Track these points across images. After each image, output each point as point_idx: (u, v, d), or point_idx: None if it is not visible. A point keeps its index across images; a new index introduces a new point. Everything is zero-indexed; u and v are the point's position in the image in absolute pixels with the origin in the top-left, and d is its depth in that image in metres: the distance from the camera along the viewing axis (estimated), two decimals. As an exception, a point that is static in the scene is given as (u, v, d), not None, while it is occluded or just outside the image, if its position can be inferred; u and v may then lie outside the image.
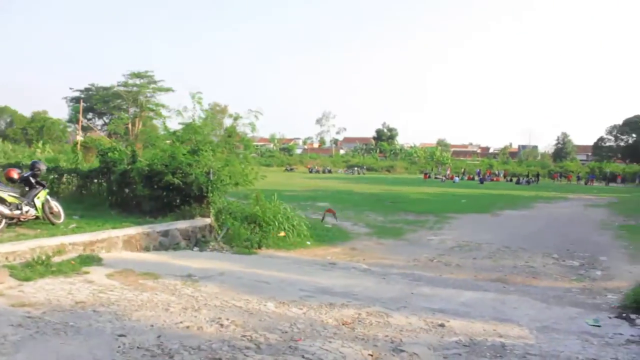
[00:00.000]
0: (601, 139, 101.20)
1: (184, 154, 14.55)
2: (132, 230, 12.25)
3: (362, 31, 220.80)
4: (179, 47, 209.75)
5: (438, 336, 6.77)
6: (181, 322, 6.63)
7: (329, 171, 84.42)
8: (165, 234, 12.89)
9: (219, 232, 14.21)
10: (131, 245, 11.96)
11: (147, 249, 12.22)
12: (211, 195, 14.51)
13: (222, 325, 6.61)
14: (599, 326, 7.99)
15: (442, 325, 7.25)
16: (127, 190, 15.68)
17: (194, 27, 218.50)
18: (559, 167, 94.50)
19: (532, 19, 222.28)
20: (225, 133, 16.85)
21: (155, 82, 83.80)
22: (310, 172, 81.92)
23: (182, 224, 13.58)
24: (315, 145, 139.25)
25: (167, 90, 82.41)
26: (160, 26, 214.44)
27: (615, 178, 77.91)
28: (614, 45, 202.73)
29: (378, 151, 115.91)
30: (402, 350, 6.08)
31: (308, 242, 15.51)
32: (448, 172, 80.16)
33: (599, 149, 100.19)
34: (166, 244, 12.79)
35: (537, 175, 77.93)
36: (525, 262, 13.92)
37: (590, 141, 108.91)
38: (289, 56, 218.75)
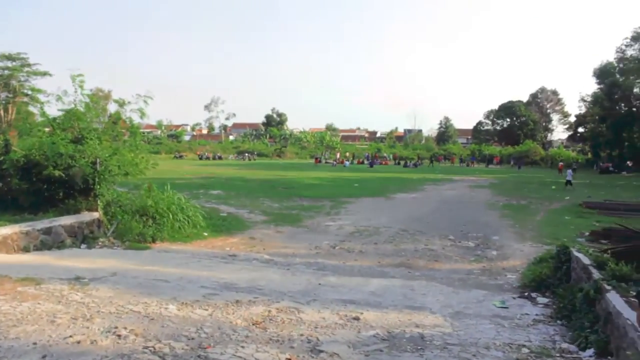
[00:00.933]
0: (480, 123, 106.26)
1: (65, 143, 13.50)
2: (8, 230, 11.01)
3: (250, 17, 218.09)
4: (56, 28, 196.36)
5: (355, 331, 6.46)
6: (71, 336, 5.77)
7: (220, 157, 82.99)
8: (47, 231, 11.74)
9: (109, 226, 13.28)
10: (7, 247, 10.74)
11: (26, 250, 11.05)
12: (98, 187, 13.62)
13: (119, 336, 5.86)
14: (506, 307, 8.09)
15: (356, 319, 6.96)
16: (0, 184, 14.19)
17: (73, 6, 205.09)
18: (442, 150, 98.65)
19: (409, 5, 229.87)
20: (110, 119, 15.90)
21: (29, 65, 77.39)
22: (201, 158, 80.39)
23: (67, 220, 12.47)
24: (204, 131, 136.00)
25: (44, 74, 75.34)
26: (33, 3, 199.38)
27: (493, 160, 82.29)
28: (492, 35, 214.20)
29: (268, 137, 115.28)
30: (320, 351, 5.70)
31: (205, 233, 14.87)
32: (338, 156, 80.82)
33: (478, 133, 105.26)
34: (49, 242, 11.65)
35: (431, 160, 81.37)
36: (425, 245, 14.09)
37: (470, 125, 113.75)
38: (176, 40, 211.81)
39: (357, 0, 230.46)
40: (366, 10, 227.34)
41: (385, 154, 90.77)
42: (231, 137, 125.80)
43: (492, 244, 14.51)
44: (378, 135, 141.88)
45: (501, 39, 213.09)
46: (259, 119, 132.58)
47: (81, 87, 14.34)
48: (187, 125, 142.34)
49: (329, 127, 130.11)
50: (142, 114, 14.96)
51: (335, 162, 68.79)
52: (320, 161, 73.82)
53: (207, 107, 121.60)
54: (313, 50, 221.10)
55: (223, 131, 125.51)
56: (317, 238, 14.87)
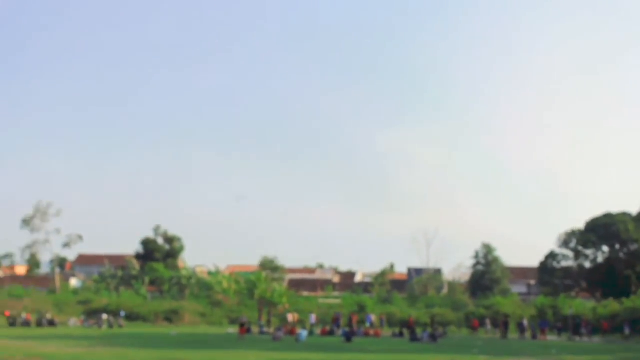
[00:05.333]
0: (552, 256, 67.77)
1: None
2: None
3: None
4: None
5: None
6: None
7: (52, 323, 51.90)
8: None
9: None
10: None
11: None
12: None
13: None
14: None
15: None
16: None
17: None
18: (482, 306, 58.77)
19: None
20: None
21: None
22: (12, 325, 51.09)
23: None
24: (20, 269, 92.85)
25: None
26: None
27: (581, 325, 47.77)
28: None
29: (146, 281, 73.47)
30: None
31: None
32: (290, 319, 52.05)
33: (548, 274, 64.97)
34: None
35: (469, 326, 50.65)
36: None
37: (532, 260, 78.28)
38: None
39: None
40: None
41: (372, 316, 54.96)
42: (74, 282, 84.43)
43: None
44: (358, 279, 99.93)
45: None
46: (130, 246, 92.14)
47: None
48: None
49: (267, 264, 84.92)
50: None
51: (280, 333, 43.26)
52: (248, 330, 46.18)
53: (26, 223, 75.54)
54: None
55: (59, 270, 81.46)
56: None
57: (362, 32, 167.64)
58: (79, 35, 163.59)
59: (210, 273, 69.56)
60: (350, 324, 49.01)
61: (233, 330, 48.37)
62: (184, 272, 74.35)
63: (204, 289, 66.58)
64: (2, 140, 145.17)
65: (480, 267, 78.08)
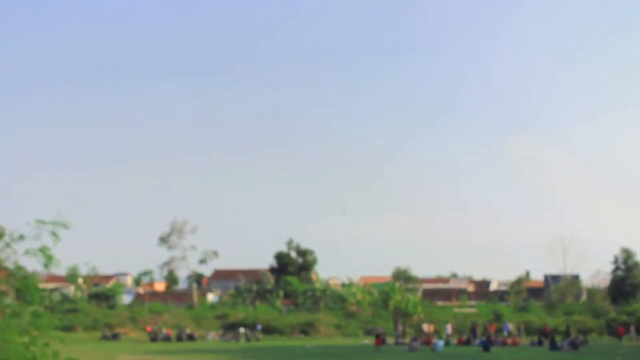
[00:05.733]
0: None
1: None
2: None
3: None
4: None
5: None
6: None
7: (191, 337, 51.51)
8: None
9: None
10: None
11: None
12: None
13: None
14: None
15: None
16: None
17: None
18: (623, 312, 55.93)
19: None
20: None
21: None
22: (154, 339, 50.48)
23: None
24: (160, 286, 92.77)
25: None
26: None
27: None
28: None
29: (281, 294, 73.29)
30: None
31: None
32: (425, 329, 50.41)
33: None
34: None
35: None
36: None
37: None
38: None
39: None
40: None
41: (509, 324, 52.76)
42: (210, 297, 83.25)
43: None
44: (493, 287, 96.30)
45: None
46: (264, 260, 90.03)
47: None
48: (125, 274, 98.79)
49: (400, 274, 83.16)
50: (49, 260, 9.10)
51: (416, 343, 42.95)
52: (384, 341, 44.36)
53: (163, 241, 75.02)
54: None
55: (195, 285, 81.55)
56: None
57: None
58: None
59: (343, 285, 68.82)
60: (487, 333, 47.49)
61: (369, 341, 47.35)
62: (317, 285, 73.43)
63: (337, 300, 65.53)
64: (141, 162, 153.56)
65: (620, 273, 73.84)
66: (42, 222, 9.15)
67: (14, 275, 9.66)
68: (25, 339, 8.80)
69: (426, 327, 50.20)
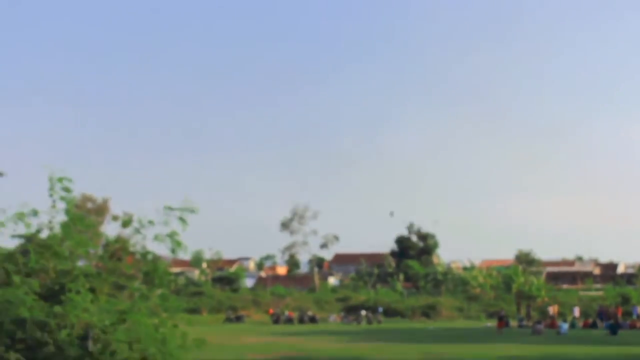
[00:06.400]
0: None
1: (32, 301, 8.47)
2: None
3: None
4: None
5: None
6: None
7: (313, 319, 52.30)
8: None
9: None
10: None
11: None
12: None
13: None
14: None
15: None
16: None
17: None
18: None
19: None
20: (105, 252, 10.11)
21: None
22: (276, 322, 51.74)
23: None
24: (281, 269, 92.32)
25: None
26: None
27: None
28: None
29: (402, 277, 72.79)
30: None
31: None
32: (551, 312, 49.58)
33: None
34: None
35: None
36: None
37: None
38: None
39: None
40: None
41: (638, 308, 51.74)
42: (332, 280, 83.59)
43: None
44: (621, 270, 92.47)
45: None
46: (384, 244, 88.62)
47: (66, 200, 9.27)
48: (247, 259, 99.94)
49: (522, 257, 79.94)
50: (177, 246, 9.49)
51: (540, 326, 41.24)
52: (507, 324, 44.66)
53: (285, 226, 76.53)
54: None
55: (317, 269, 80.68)
56: None
57: None
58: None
59: (465, 268, 67.57)
60: (614, 317, 45.98)
61: (491, 324, 46.63)
62: (439, 268, 72.96)
63: (459, 284, 65.00)
64: (264, 150, 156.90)
65: None
66: (170, 208, 9.34)
67: (144, 260, 9.93)
68: (155, 320, 9.09)
69: (551, 310, 49.13)
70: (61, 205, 9.36)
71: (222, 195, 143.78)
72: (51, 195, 9.21)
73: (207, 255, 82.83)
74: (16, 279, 8.69)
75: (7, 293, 8.48)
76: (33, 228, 9.40)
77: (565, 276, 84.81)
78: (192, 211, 9.35)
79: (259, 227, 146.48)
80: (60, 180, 9.17)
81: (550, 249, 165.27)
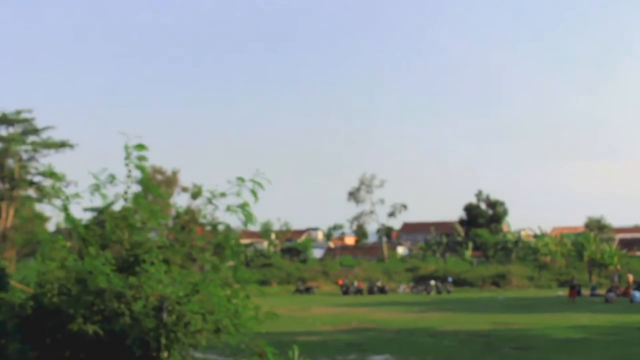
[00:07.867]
0: None
1: (109, 272, 8.26)
2: None
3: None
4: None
5: None
6: None
7: (382, 290, 52.25)
8: None
9: None
10: None
11: None
12: (166, 355, 8.34)
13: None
14: None
15: None
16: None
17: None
18: None
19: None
20: (176, 224, 9.93)
21: (36, 132, 47.41)
22: (346, 292, 52.02)
23: None
24: (350, 240, 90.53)
25: (61, 145, 46.78)
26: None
27: None
28: None
29: (471, 246, 71.40)
30: None
31: None
32: (630, 279, 47.16)
33: None
34: None
35: None
36: None
37: None
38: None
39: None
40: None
41: None
42: (400, 250, 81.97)
43: None
44: None
45: None
46: (452, 212, 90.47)
47: (141, 168, 9.10)
48: (316, 229, 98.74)
49: (593, 224, 77.33)
50: (249, 218, 9.19)
51: (613, 294, 41.44)
52: (579, 292, 43.38)
53: (352, 196, 75.54)
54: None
55: (385, 239, 79.87)
56: None
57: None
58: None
59: (535, 236, 65.60)
60: None
61: (562, 293, 45.60)
62: (509, 236, 70.82)
63: (529, 252, 62.72)
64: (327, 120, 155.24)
65: None
66: (242, 179, 9.20)
67: (214, 232, 9.77)
68: (227, 292, 9.01)
69: (630, 278, 46.66)
70: (136, 173, 9.17)
71: (290, 166, 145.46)
72: (127, 165, 9.06)
73: (276, 226, 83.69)
74: (92, 250, 8.71)
75: (86, 263, 8.48)
76: (109, 199, 9.29)
77: (639, 243, 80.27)
78: (264, 184, 9.04)
79: (327, 197, 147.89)
80: (139, 147, 8.97)
81: (623, 215, 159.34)
